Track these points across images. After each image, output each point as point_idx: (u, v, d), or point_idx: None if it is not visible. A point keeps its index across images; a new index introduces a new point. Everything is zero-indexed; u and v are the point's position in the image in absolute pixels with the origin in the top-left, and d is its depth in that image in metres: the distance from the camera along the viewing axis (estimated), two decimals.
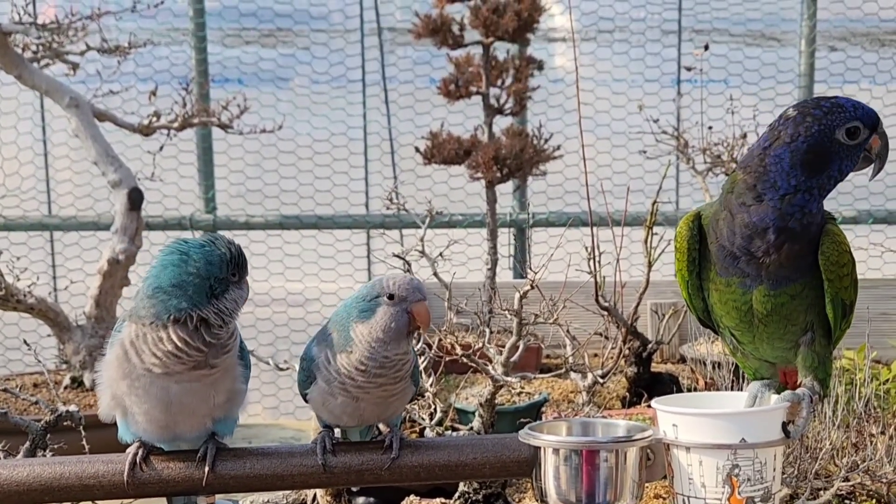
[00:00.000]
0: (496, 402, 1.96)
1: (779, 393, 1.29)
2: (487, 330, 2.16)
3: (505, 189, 4.31)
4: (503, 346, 2.63)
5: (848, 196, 4.48)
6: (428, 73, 4.50)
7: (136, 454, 1.31)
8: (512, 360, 1.95)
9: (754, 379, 1.34)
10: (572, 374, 2.49)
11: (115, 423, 1.35)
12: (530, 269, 1.87)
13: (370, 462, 1.29)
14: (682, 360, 3.49)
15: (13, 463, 1.30)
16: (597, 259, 2.51)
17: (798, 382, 1.27)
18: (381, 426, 1.38)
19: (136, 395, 1.28)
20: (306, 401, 1.36)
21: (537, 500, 1.24)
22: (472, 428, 1.99)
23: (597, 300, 2.38)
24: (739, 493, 1.15)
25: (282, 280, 4.38)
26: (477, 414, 1.99)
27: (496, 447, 1.28)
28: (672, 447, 1.21)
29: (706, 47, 3.26)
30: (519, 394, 2.94)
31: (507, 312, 1.90)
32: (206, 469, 1.29)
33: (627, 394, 2.88)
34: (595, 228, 2.75)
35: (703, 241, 1.27)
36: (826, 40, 4.65)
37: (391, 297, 1.28)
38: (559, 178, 4.52)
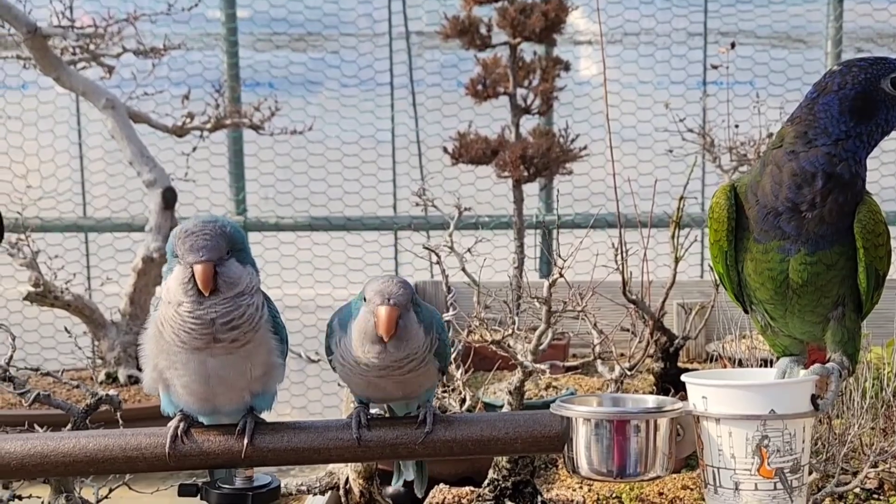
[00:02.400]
0: (524, 393, 1.98)
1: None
2: (515, 319, 2.19)
3: (531, 191, 4.34)
4: (528, 340, 2.66)
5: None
6: (455, 76, 4.55)
7: (177, 427, 1.35)
8: (540, 347, 1.97)
9: (783, 355, 1.35)
10: (599, 368, 2.51)
11: (153, 416, 1.38)
12: (558, 261, 1.90)
13: (404, 436, 1.32)
14: (709, 358, 3.49)
15: (60, 435, 1.35)
16: (624, 255, 2.53)
17: (827, 358, 1.28)
18: None
19: (175, 368, 1.32)
20: (334, 370, 1.39)
21: (569, 472, 1.26)
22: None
23: (624, 293, 2.40)
24: (769, 464, 1.17)
25: (311, 281, 4.43)
26: (506, 402, 2.02)
27: (528, 422, 1.31)
28: (702, 419, 1.22)
29: (732, 45, 3.28)
30: (546, 388, 2.96)
31: (535, 300, 1.93)
32: (245, 442, 1.33)
33: (654, 389, 2.89)
34: (622, 228, 2.78)
35: (738, 212, 1.29)
36: (852, 42, 4.64)
37: (364, 298, 1.29)
38: (585, 179, 4.54)
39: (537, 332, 1.97)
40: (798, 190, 1.22)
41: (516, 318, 2.01)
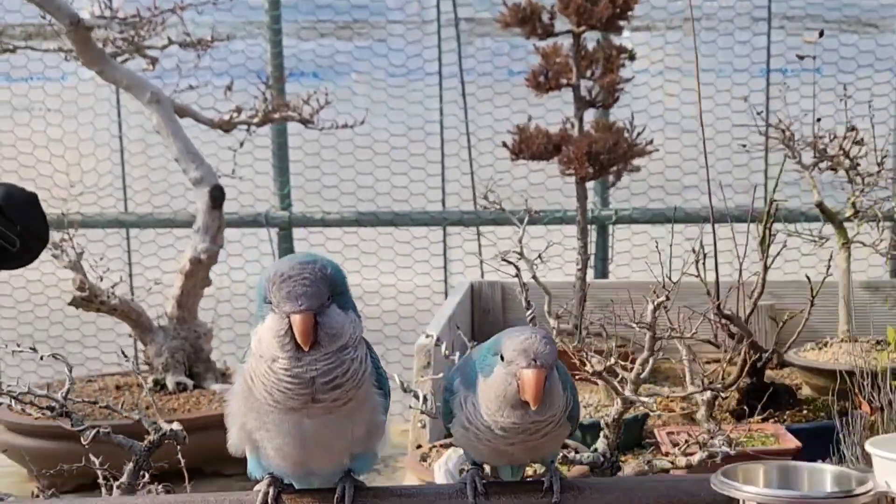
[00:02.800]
0: (621, 426, 1.81)
1: None
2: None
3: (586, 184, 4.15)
4: (600, 352, 2.48)
5: None
6: (506, 64, 4.35)
7: (266, 493, 1.20)
8: (641, 376, 1.80)
9: None
10: (690, 387, 2.33)
11: (208, 426, 1.22)
12: (662, 271, 1.72)
13: None
14: (783, 364, 3.29)
15: (121, 502, 1.19)
16: (705, 256, 2.34)
17: None
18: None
19: (265, 429, 1.16)
20: (449, 434, 1.23)
21: None
22: (595, 450, 1.85)
23: (718, 311, 2.22)
24: None
25: (358, 278, 4.27)
26: (602, 435, 1.85)
27: (674, 492, 1.14)
28: None
29: (821, 33, 3.05)
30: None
31: (636, 326, 1.75)
32: None
33: (736, 405, 2.70)
34: (701, 226, 2.60)
35: None
36: None
37: (501, 357, 1.13)
38: (642, 173, 4.34)
39: (640, 360, 1.79)
40: None
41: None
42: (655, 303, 1.73)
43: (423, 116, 4.23)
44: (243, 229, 4.17)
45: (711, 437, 2.13)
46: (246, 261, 4.20)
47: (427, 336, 2.51)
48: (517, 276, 2.27)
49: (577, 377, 1.75)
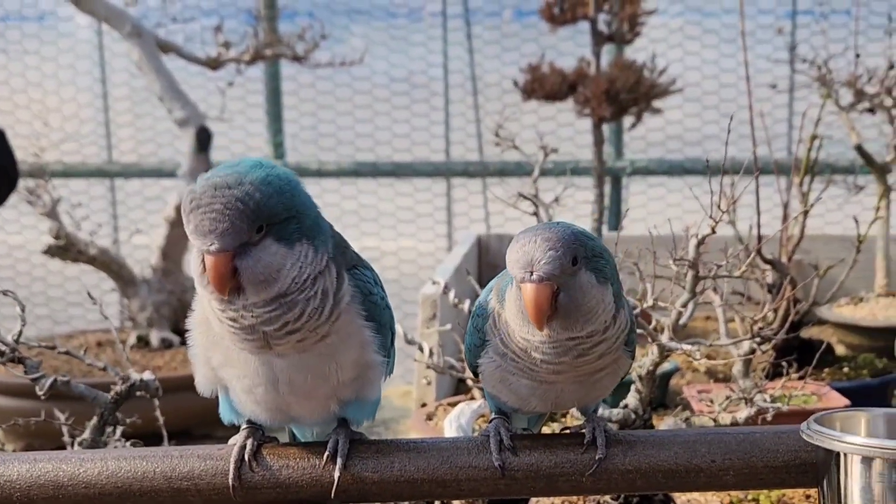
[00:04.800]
0: (656, 378, 1.59)
1: None
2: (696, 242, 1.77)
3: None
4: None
5: None
6: (515, 4, 4.08)
7: (242, 447, 0.96)
8: (681, 322, 1.57)
9: None
10: (723, 339, 2.10)
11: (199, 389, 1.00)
12: (714, 216, 1.48)
13: (566, 464, 0.93)
14: (819, 321, 3.05)
15: (80, 456, 0.96)
16: (758, 207, 2.11)
17: None
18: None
19: (233, 367, 0.93)
20: (476, 375, 0.99)
21: None
22: (626, 406, 1.62)
23: (759, 254, 1.98)
24: None
25: (357, 233, 4.04)
26: (634, 389, 1.62)
27: (745, 446, 0.91)
28: None
29: None
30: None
31: (675, 263, 1.51)
32: (338, 469, 0.94)
33: (770, 364, 2.47)
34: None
35: None
36: None
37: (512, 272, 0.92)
38: (659, 121, 4.09)
39: (679, 302, 1.55)
40: None
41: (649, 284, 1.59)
42: (700, 237, 1.49)
43: (425, 60, 3.97)
44: None
45: (751, 395, 1.91)
46: None
47: (434, 283, 2.27)
48: (535, 213, 2.03)
49: None
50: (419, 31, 3.98)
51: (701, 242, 1.50)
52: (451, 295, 2.06)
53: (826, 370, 2.46)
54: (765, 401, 1.72)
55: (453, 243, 4.07)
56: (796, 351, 2.47)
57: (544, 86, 3.03)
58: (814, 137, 2.32)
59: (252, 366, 0.92)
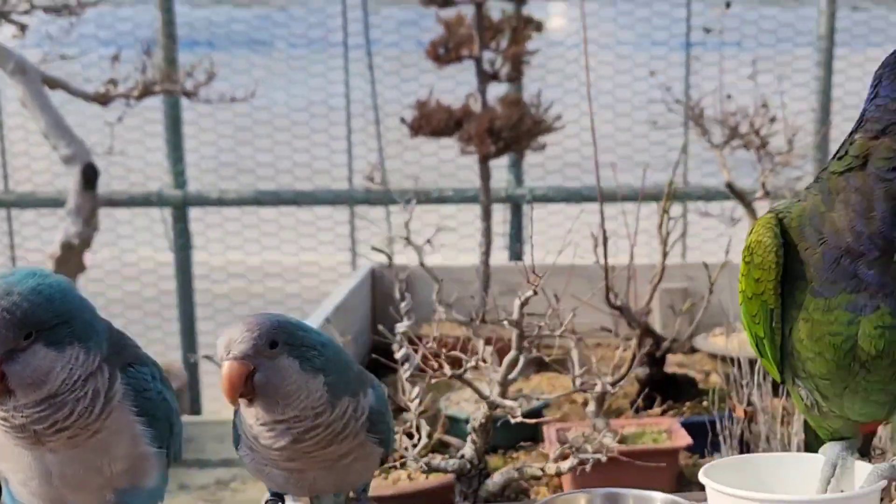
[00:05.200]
0: (489, 430, 1.65)
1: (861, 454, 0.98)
2: (477, 321, 1.86)
3: (500, 161, 3.99)
4: (501, 339, 2.31)
5: None
6: (416, 35, 4.14)
7: None
8: (510, 377, 1.63)
9: (831, 439, 1.03)
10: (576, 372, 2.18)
11: None
12: (531, 270, 1.55)
13: None
14: (693, 349, 3.17)
15: None
16: (605, 248, 2.20)
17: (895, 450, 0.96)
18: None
19: (7, 462, 0.97)
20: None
21: None
22: (462, 456, 1.68)
23: (607, 300, 2.07)
24: None
25: (257, 260, 4.06)
26: (469, 440, 1.68)
27: None
28: None
29: (728, 5, 2.91)
30: (515, 398, 2.63)
31: (505, 322, 1.58)
32: None
33: (636, 397, 2.57)
34: (603, 210, 2.45)
35: (787, 255, 0.96)
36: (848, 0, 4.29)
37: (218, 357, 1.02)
38: (557, 150, 4.19)
39: (506, 360, 1.62)
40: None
41: (476, 322, 1.66)
42: (522, 298, 1.56)
43: (325, 90, 4.01)
44: (134, 209, 3.91)
45: (600, 436, 1.99)
46: (137, 243, 3.95)
47: None
48: (389, 266, 2.09)
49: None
50: (320, 62, 4.02)
51: (525, 303, 1.57)
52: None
53: (688, 404, 2.55)
54: (610, 441, 1.80)
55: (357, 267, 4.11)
56: (662, 385, 2.57)
57: (431, 122, 3.10)
58: (670, 182, 2.42)
59: (25, 460, 0.96)
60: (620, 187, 3.68)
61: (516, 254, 4.19)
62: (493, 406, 1.60)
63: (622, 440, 2.13)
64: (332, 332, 2.43)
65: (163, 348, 3.87)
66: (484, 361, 1.62)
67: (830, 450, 1.02)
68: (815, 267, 0.94)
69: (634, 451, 1.97)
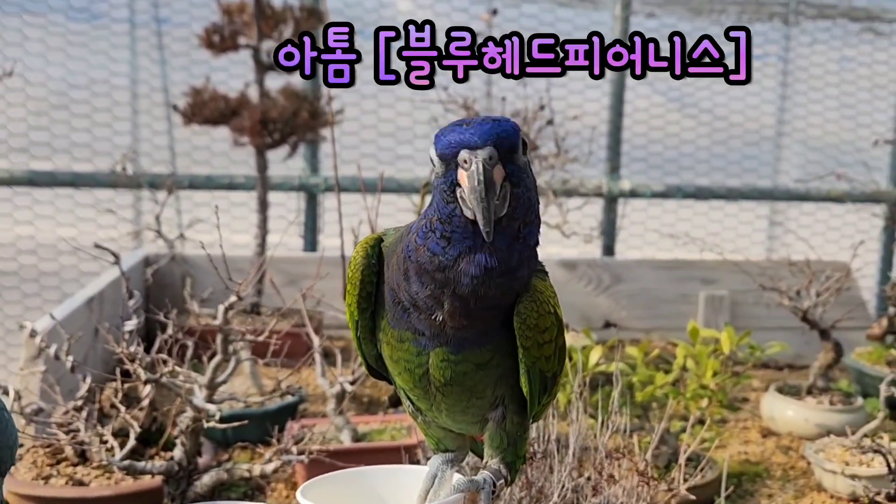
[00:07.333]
0: (199, 434, 1.64)
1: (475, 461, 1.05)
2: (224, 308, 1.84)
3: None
4: (268, 328, 2.30)
5: (658, 170, 4.42)
6: (208, 16, 4.03)
7: None
8: (218, 381, 1.63)
9: (437, 450, 1.09)
10: (320, 380, 2.22)
11: None
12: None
13: None
14: None
15: None
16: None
17: (484, 463, 1.03)
18: None
19: None
20: None
21: None
22: (172, 458, 1.67)
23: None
24: None
25: (32, 244, 3.84)
26: (179, 442, 1.67)
27: None
28: None
29: (494, 12, 3.00)
30: (273, 391, 2.64)
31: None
32: None
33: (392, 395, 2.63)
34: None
35: (380, 276, 1.00)
36: (643, 6, 4.49)
37: None
38: (354, 139, 4.22)
39: (212, 364, 1.62)
40: (422, 287, 0.94)
41: (223, 308, 1.64)
42: (227, 304, 1.56)
43: (108, 68, 3.83)
44: None
45: (338, 433, 2.02)
46: None
47: (31, 333, 2.11)
48: (115, 262, 2.03)
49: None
50: (102, 38, 3.83)
51: (229, 309, 1.57)
52: (53, 348, 1.96)
53: None
54: (346, 438, 1.83)
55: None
56: None
57: (204, 111, 3.04)
58: (426, 184, 2.48)
59: None
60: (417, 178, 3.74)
61: (311, 244, 4.18)
62: (198, 411, 1.59)
63: (360, 438, 2.19)
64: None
65: None
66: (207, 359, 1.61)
67: (432, 462, 1.08)
68: (387, 301, 0.99)
69: (365, 449, 2.02)
